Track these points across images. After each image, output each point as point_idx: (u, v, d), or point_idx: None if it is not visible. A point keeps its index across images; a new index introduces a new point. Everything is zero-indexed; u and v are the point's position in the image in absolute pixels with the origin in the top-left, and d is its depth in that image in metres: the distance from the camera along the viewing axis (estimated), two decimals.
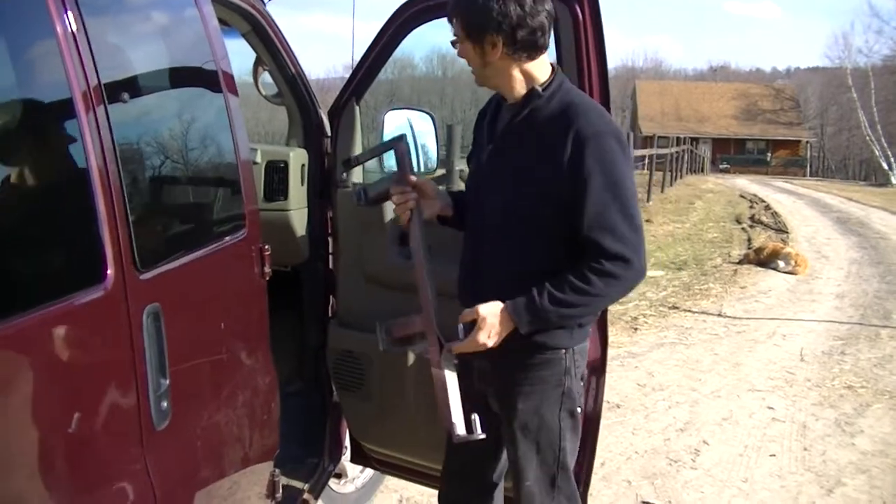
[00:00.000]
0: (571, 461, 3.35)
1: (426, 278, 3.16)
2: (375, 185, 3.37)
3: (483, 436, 3.07)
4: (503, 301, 3.04)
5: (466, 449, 3.19)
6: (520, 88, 3.11)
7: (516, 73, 3.08)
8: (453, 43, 3.11)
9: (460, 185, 10.80)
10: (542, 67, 3.10)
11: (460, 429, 3.07)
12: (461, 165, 10.86)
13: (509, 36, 2.96)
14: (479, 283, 3.23)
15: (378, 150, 3.61)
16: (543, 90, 3.08)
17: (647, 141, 35.72)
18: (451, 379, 3.13)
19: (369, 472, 4.96)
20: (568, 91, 3.10)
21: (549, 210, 3.04)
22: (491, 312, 3.03)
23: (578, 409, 3.28)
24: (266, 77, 4.51)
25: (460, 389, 3.13)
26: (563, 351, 3.17)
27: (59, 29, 2.30)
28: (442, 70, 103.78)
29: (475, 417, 3.06)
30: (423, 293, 3.14)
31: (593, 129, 2.96)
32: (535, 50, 3.03)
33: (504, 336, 3.05)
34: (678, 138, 42.81)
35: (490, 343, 3.05)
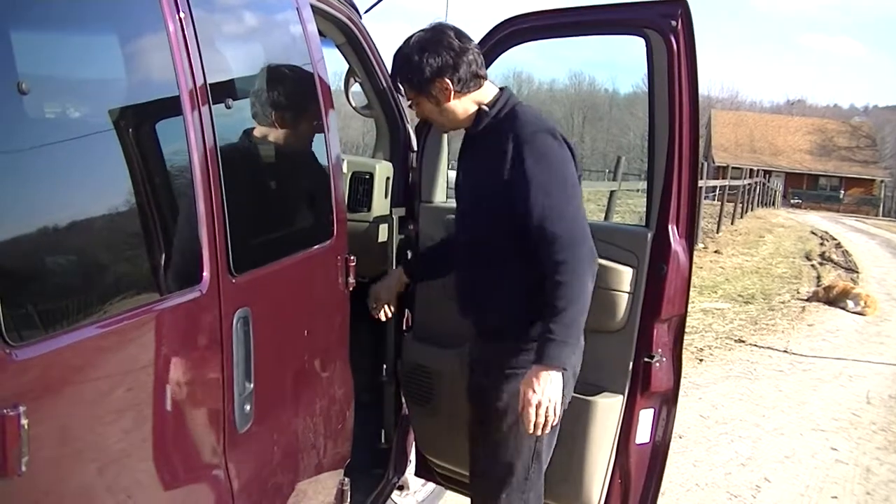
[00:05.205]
0: (546, 455, 3.47)
1: None
2: None
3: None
4: (518, 361, 3.36)
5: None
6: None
7: (469, 105, 3.44)
8: (410, 106, 3.57)
9: None
10: (487, 91, 3.46)
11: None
12: None
13: (452, 77, 3.35)
14: (463, 303, 3.57)
15: None
16: (490, 108, 3.43)
17: (721, 171, 35.39)
18: None
19: (430, 486, 4.97)
20: (513, 105, 3.43)
21: (504, 224, 3.30)
22: (538, 388, 3.17)
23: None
24: (356, 88, 4.54)
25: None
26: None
27: (170, 28, 2.36)
28: (517, 89, 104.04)
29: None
30: None
31: (531, 128, 3.30)
32: (477, 79, 3.42)
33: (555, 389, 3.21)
34: (751, 170, 42.46)
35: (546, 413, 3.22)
